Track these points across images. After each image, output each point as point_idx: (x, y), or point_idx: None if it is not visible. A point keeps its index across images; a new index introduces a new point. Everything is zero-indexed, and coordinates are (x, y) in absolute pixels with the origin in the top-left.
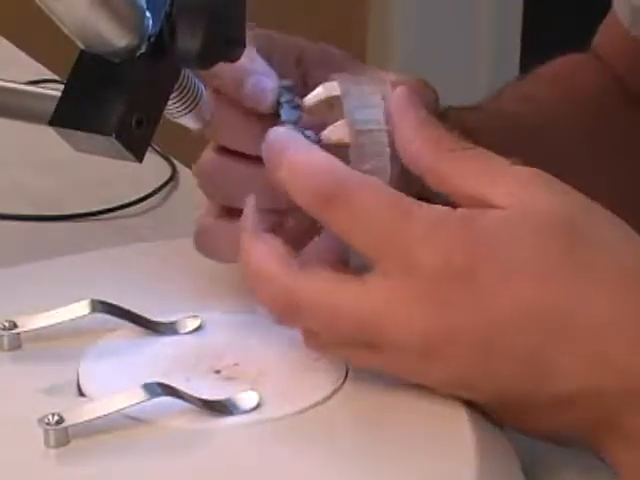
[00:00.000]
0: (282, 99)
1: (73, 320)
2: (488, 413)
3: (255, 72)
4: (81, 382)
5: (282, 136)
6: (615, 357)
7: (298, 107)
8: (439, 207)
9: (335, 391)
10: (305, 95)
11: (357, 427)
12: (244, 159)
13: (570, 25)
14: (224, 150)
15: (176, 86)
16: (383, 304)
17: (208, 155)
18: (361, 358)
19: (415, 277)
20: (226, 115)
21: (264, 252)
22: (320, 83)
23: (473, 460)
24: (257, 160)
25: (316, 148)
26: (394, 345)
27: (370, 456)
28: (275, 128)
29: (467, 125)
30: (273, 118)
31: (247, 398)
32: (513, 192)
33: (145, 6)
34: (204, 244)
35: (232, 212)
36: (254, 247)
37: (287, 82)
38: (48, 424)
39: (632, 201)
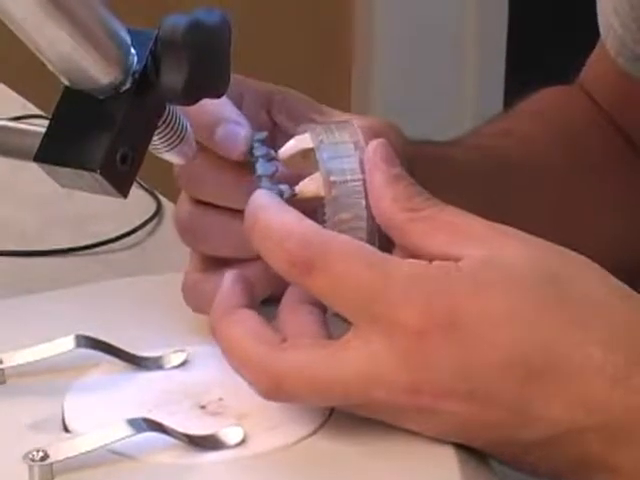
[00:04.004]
0: (257, 152)
1: (58, 355)
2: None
3: (227, 119)
4: (66, 418)
5: (254, 201)
6: (596, 396)
7: (273, 159)
8: (415, 262)
9: (321, 425)
10: (276, 140)
11: (344, 461)
12: (220, 208)
13: (555, 59)
14: (199, 200)
15: (161, 122)
16: (368, 369)
17: (184, 206)
18: (355, 413)
19: (398, 337)
20: (197, 166)
21: (241, 334)
22: (292, 135)
23: None
24: (233, 209)
25: (286, 211)
26: (385, 405)
27: None
28: (256, 192)
29: (447, 158)
30: (246, 169)
31: (232, 433)
32: (486, 241)
33: (130, 42)
34: (194, 300)
35: (217, 262)
36: (231, 331)
37: (261, 135)
38: (33, 460)
39: (614, 234)
